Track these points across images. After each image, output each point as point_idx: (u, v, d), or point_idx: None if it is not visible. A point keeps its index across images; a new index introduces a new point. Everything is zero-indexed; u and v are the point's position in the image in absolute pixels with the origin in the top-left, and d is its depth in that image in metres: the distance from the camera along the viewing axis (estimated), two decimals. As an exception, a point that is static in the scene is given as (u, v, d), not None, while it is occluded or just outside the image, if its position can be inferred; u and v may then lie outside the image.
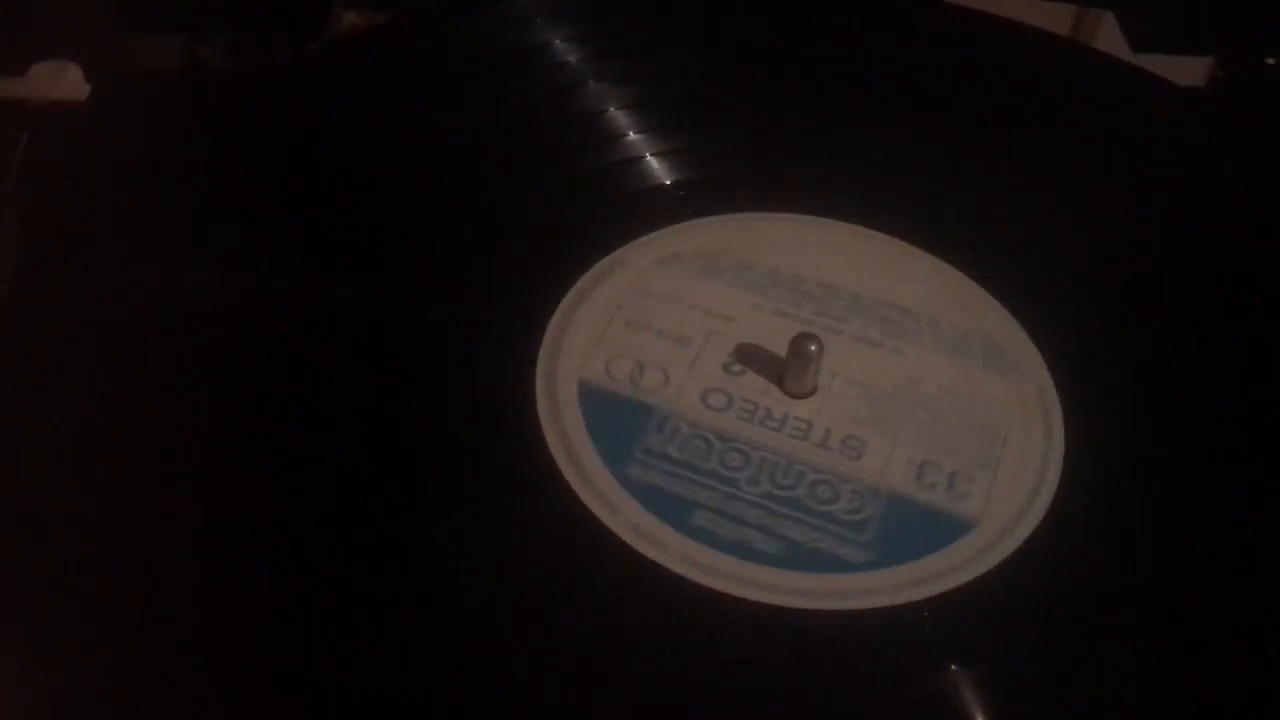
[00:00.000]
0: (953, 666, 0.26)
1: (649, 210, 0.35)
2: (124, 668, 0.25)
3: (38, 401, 0.30)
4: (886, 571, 0.28)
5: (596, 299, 0.33)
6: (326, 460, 0.29)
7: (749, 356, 0.32)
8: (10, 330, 0.31)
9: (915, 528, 0.29)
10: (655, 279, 0.34)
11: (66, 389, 0.30)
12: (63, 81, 0.39)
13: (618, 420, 0.30)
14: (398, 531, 0.28)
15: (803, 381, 0.31)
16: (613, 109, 0.38)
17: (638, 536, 0.28)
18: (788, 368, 0.31)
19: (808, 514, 0.29)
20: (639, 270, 0.34)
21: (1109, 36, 0.46)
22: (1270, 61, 0.44)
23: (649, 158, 0.37)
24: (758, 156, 0.37)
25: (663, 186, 0.36)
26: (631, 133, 0.37)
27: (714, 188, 0.36)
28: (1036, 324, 0.33)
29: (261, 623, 0.26)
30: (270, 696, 0.25)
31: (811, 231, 0.36)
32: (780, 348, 0.31)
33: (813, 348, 0.31)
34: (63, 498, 0.28)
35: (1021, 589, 0.28)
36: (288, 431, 0.30)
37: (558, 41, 0.39)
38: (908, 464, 0.30)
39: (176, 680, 0.25)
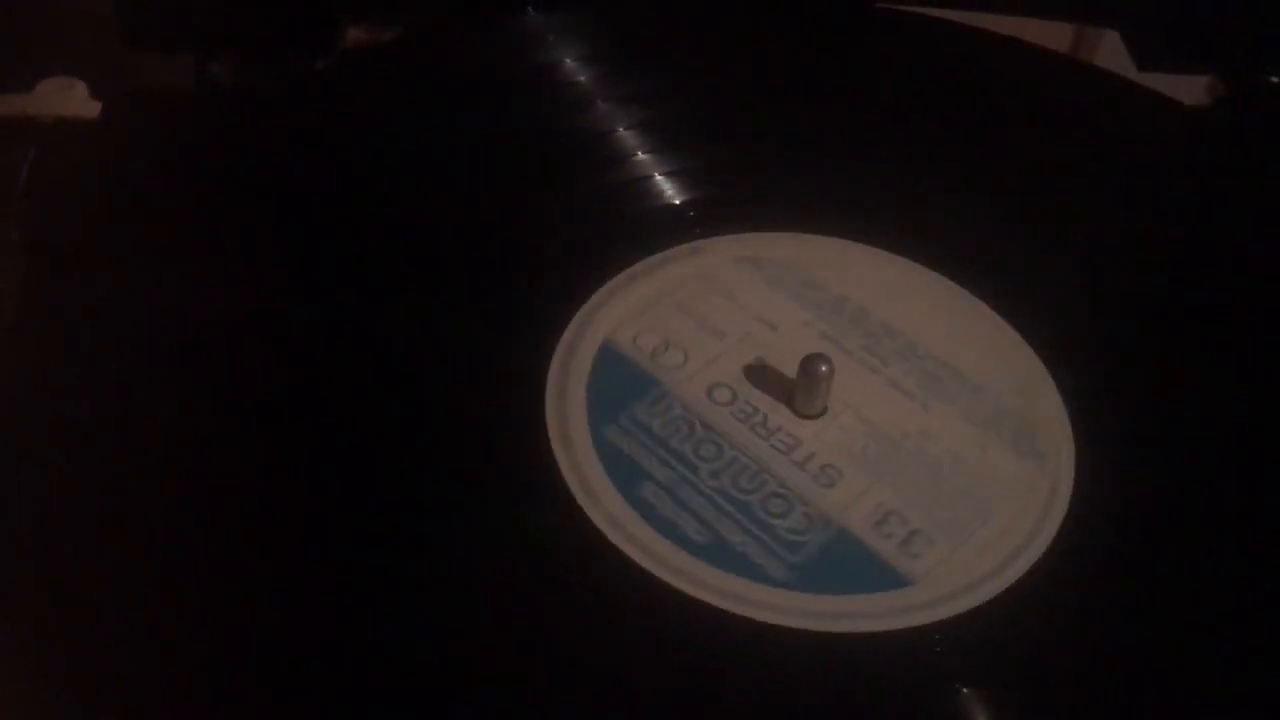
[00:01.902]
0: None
1: (657, 231, 0.36)
2: (137, 686, 0.25)
3: (45, 419, 0.30)
4: (798, 595, 0.27)
5: (660, 276, 0.34)
6: (336, 473, 0.29)
7: (764, 370, 0.32)
8: (17, 346, 0.31)
9: (849, 565, 0.28)
10: (724, 273, 0.34)
11: (75, 406, 0.30)
12: (69, 98, 0.39)
13: (620, 383, 0.31)
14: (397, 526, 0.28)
15: (812, 402, 0.31)
16: (621, 129, 0.38)
17: (583, 491, 0.29)
18: (797, 387, 0.31)
19: (750, 520, 0.29)
20: (713, 262, 0.35)
21: (1108, 55, 0.46)
22: (1273, 80, 0.44)
23: (658, 176, 0.37)
24: (762, 177, 0.38)
25: (672, 205, 0.36)
26: (640, 151, 0.37)
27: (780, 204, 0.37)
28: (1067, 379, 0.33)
29: (272, 634, 0.26)
30: (281, 703, 0.25)
31: (895, 271, 0.35)
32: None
33: (823, 369, 0.31)
34: (70, 511, 0.28)
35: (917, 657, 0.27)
36: (301, 444, 0.30)
37: (568, 60, 0.40)
38: (874, 508, 0.29)
39: (187, 686, 0.25)
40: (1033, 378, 0.33)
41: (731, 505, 0.29)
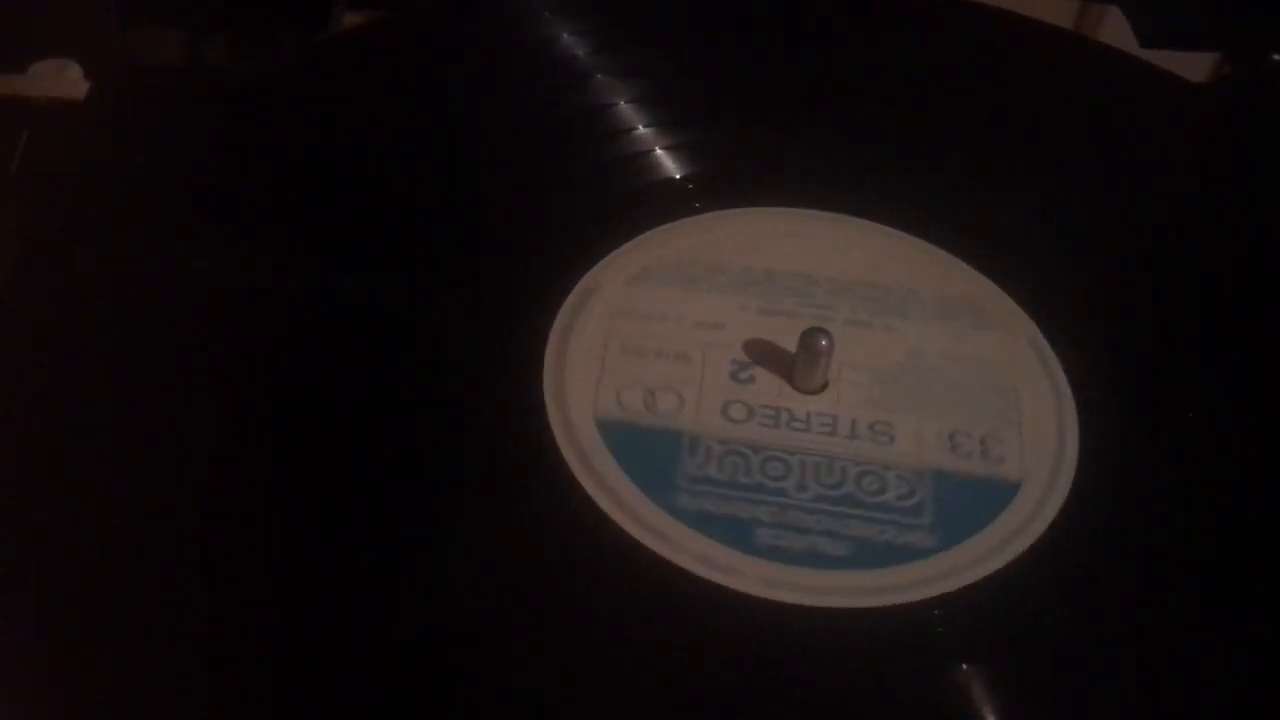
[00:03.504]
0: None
1: (657, 205, 0.35)
2: (129, 670, 0.25)
3: (37, 400, 0.29)
4: (956, 550, 0.28)
5: (583, 331, 0.32)
6: (331, 456, 0.29)
7: (758, 357, 0.32)
8: (9, 328, 0.31)
9: (967, 499, 0.29)
10: (634, 299, 0.33)
11: (67, 387, 0.30)
12: (63, 79, 0.39)
13: (648, 451, 0.30)
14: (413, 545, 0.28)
15: (813, 377, 0.31)
16: (620, 103, 0.38)
17: (710, 568, 0.27)
18: (797, 364, 0.31)
19: (864, 508, 0.29)
20: (615, 292, 0.33)
21: (1112, 32, 0.46)
22: (1277, 58, 0.44)
23: (657, 151, 0.37)
24: (756, 152, 0.37)
25: (670, 181, 0.36)
26: (640, 126, 0.37)
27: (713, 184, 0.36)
28: (1026, 291, 0.34)
29: (268, 625, 0.26)
30: (277, 701, 0.25)
31: (772, 222, 0.35)
32: (786, 345, 0.31)
33: (823, 343, 0.30)
34: (63, 495, 0.27)
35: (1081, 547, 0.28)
36: (292, 427, 0.29)
37: (565, 35, 0.39)
38: (938, 438, 0.30)
39: (187, 682, 0.25)
40: (948, 268, 0.34)
41: (839, 504, 0.29)
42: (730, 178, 0.36)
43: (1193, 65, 0.44)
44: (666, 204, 0.35)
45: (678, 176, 0.36)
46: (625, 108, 0.38)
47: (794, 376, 0.31)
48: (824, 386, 0.31)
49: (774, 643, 0.26)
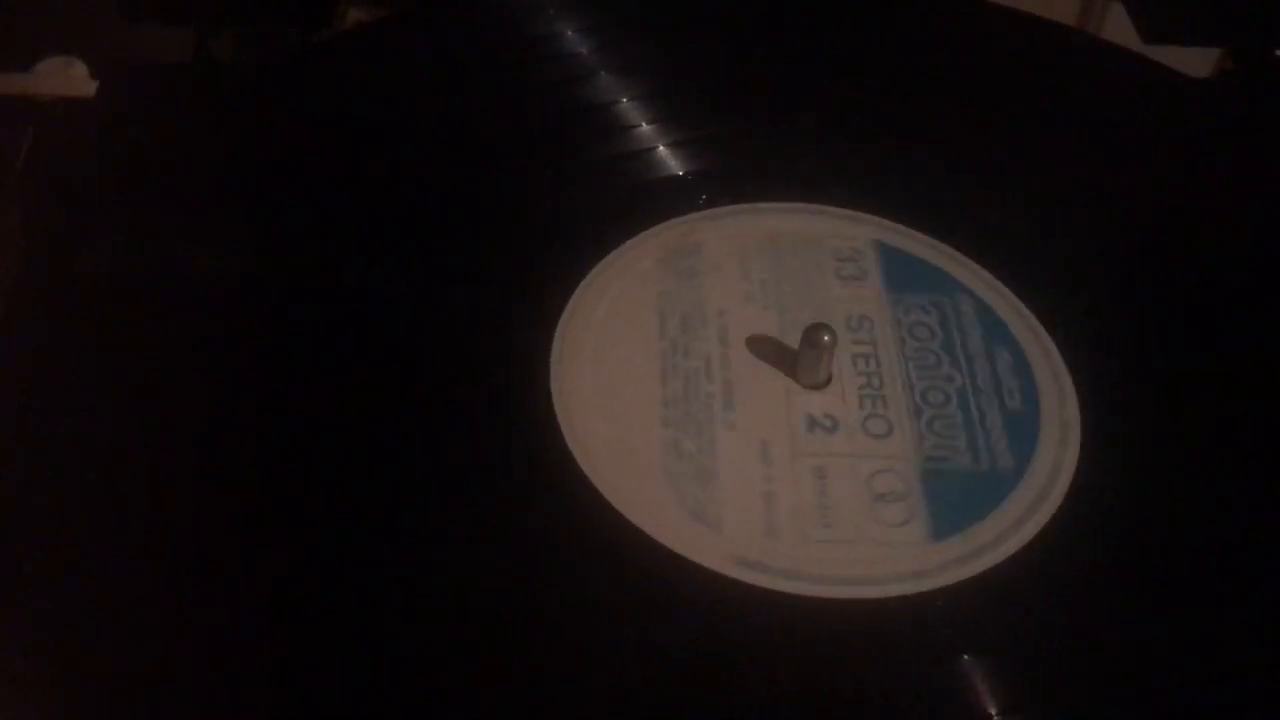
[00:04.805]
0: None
1: (662, 201, 0.35)
2: (135, 667, 0.25)
3: (43, 397, 0.29)
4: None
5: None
6: (339, 449, 0.29)
7: (762, 353, 0.32)
8: (15, 326, 0.31)
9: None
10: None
11: (74, 385, 0.30)
12: (68, 77, 0.39)
13: None
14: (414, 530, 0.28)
15: (817, 372, 0.31)
16: (625, 99, 0.38)
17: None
18: (800, 360, 0.31)
19: None
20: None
21: (1115, 27, 0.46)
22: (1280, 54, 0.44)
23: (661, 148, 0.37)
24: (760, 148, 0.37)
25: (675, 177, 0.36)
26: (644, 123, 0.37)
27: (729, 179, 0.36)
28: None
29: (266, 627, 0.26)
30: (274, 695, 0.25)
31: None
32: (790, 341, 0.31)
33: (826, 338, 0.30)
34: (67, 495, 0.27)
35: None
36: (300, 421, 0.30)
37: (569, 32, 0.39)
38: None
39: (189, 681, 0.25)
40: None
41: None
42: (734, 174, 0.36)
43: (1196, 61, 0.44)
44: (670, 200, 0.35)
45: (681, 173, 0.36)
46: (629, 104, 0.38)
47: (798, 372, 0.31)
48: (827, 381, 0.31)
49: (774, 636, 0.27)
